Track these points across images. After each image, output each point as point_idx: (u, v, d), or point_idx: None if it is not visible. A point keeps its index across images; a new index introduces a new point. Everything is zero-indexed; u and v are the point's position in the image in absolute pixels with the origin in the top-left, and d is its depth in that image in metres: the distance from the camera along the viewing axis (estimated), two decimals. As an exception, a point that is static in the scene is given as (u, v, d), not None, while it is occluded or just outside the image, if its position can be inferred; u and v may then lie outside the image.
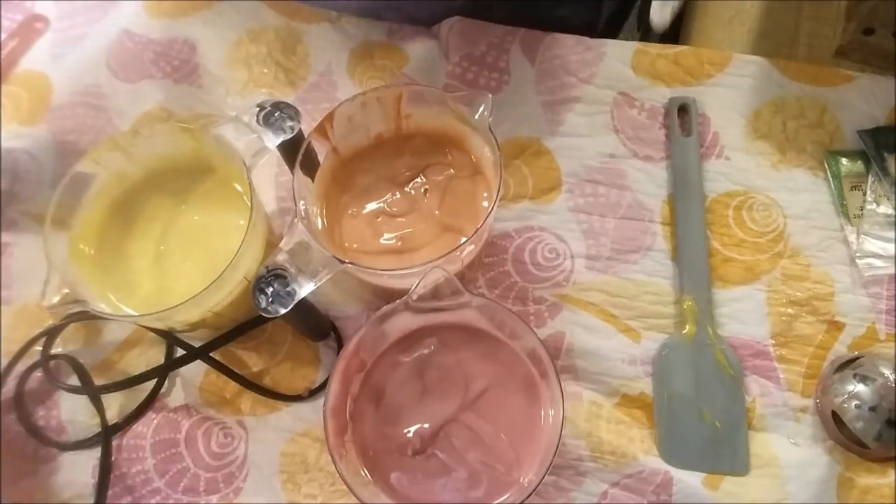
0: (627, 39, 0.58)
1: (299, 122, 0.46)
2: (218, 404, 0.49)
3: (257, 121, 0.45)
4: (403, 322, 0.44)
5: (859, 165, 0.53)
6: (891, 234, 0.50)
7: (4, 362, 0.50)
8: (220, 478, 0.47)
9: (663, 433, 0.47)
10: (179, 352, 0.50)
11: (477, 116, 0.44)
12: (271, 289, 0.40)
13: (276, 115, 0.46)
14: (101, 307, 0.44)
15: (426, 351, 0.45)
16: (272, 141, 0.45)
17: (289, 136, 0.45)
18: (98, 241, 0.48)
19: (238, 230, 0.44)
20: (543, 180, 0.54)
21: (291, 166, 0.46)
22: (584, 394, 0.48)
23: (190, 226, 0.49)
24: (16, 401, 0.49)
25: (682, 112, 0.56)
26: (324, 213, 0.49)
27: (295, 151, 0.45)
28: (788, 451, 0.46)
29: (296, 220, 0.42)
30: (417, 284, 0.40)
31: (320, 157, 0.47)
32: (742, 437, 0.47)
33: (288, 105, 0.46)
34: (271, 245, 0.49)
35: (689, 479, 0.46)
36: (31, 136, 0.58)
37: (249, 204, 0.44)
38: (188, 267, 0.47)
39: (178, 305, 0.41)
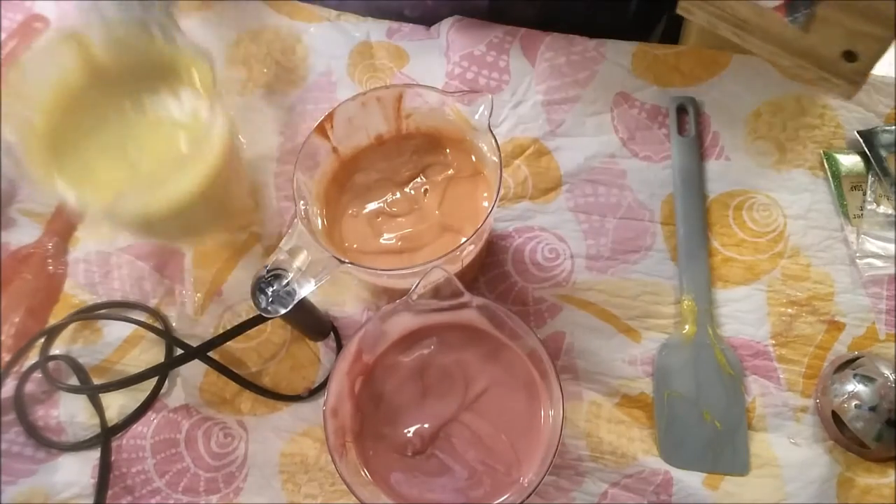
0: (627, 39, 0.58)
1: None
2: (218, 404, 0.49)
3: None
4: (403, 322, 0.44)
5: (859, 165, 0.53)
6: (891, 234, 0.50)
7: (4, 362, 0.50)
8: (220, 478, 0.47)
9: (663, 433, 0.47)
10: (179, 352, 0.50)
11: (477, 116, 0.44)
12: (271, 289, 0.40)
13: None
14: (51, 190, 0.41)
15: (426, 351, 0.45)
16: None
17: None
18: (50, 122, 0.44)
19: (202, 127, 0.44)
20: (543, 180, 0.54)
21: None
22: (584, 394, 0.48)
23: (150, 122, 0.46)
24: (15, 401, 0.49)
25: (682, 112, 0.56)
26: (324, 213, 0.49)
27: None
28: (788, 451, 0.46)
29: (296, 220, 0.42)
30: (417, 284, 0.40)
31: (320, 158, 0.47)
32: (742, 437, 0.47)
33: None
34: (241, 163, 0.48)
35: (689, 479, 0.46)
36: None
37: (208, 101, 0.43)
38: (147, 159, 0.45)
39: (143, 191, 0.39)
